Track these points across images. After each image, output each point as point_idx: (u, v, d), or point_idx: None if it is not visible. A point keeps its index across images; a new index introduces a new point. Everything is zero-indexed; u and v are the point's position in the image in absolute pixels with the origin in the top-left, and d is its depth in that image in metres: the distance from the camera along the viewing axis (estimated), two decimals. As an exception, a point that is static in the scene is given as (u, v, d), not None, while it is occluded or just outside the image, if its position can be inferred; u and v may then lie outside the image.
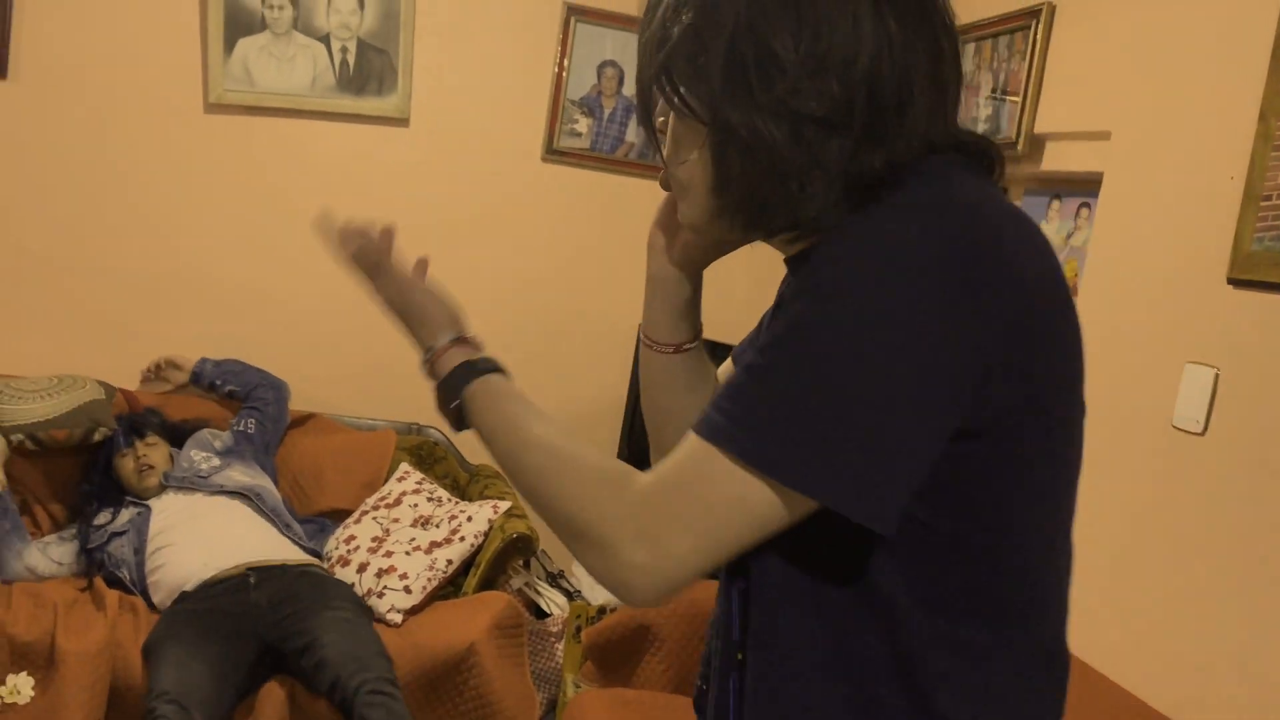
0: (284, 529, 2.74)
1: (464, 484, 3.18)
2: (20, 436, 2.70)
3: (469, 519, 2.88)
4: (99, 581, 2.60)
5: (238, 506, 2.72)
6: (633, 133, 3.33)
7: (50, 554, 2.66)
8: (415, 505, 2.98)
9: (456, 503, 3.00)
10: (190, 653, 2.28)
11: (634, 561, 0.75)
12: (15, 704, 1.26)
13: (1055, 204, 2.52)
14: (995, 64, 2.56)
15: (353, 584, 2.70)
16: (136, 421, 2.84)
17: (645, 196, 3.36)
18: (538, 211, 3.35)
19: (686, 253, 1.01)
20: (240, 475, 2.81)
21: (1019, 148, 2.43)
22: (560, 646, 2.89)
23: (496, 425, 0.89)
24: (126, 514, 2.70)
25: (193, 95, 3.08)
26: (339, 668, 2.26)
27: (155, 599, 2.55)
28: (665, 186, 0.96)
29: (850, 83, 0.75)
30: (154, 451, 2.80)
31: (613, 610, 2.75)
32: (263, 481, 2.85)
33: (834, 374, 0.71)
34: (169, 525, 2.65)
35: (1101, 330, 1.86)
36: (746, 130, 0.77)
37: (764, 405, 0.73)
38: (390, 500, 3.00)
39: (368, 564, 2.77)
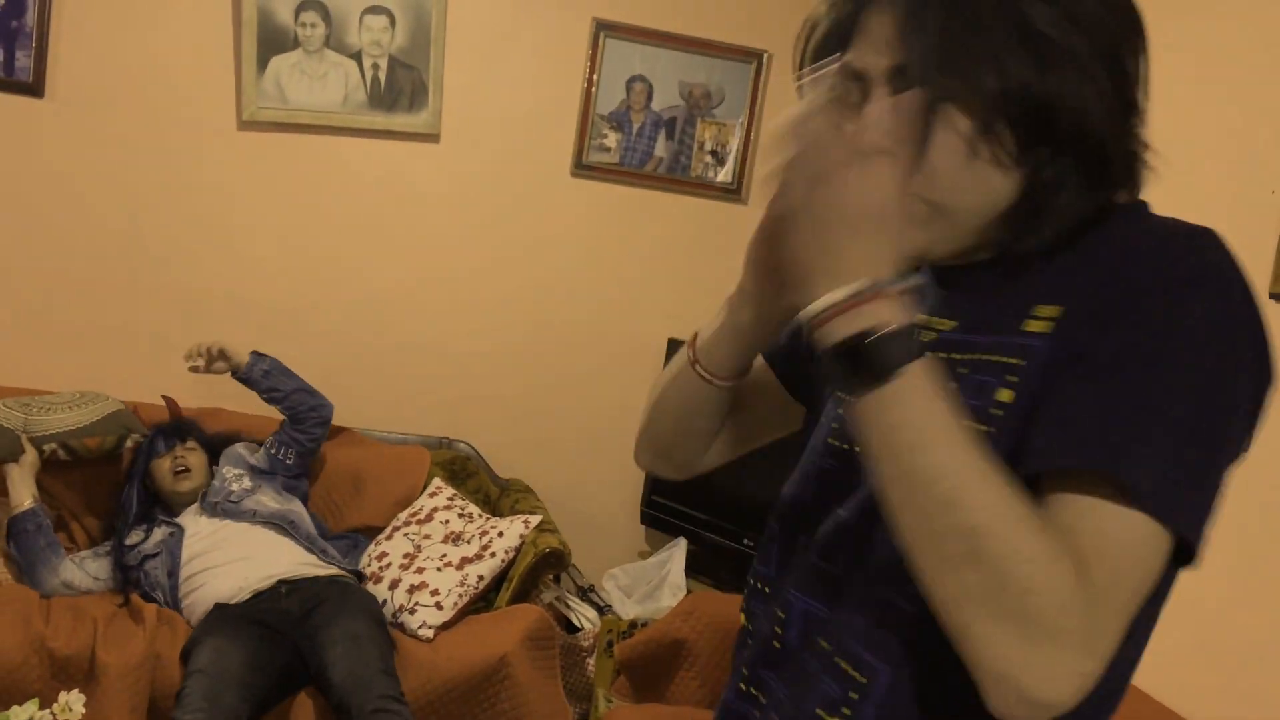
0: (319, 553, 2.73)
1: (495, 498, 3.19)
2: (53, 445, 2.72)
3: (500, 534, 2.88)
4: (135, 597, 2.62)
5: (270, 534, 2.70)
6: (661, 147, 3.34)
7: (87, 569, 2.68)
8: (447, 521, 2.99)
9: (487, 518, 3.00)
10: (226, 642, 2.34)
11: (1078, 669, 0.63)
12: (68, 720, 1.29)
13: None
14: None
15: (384, 600, 2.71)
16: (177, 427, 2.86)
17: (673, 210, 3.38)
18: (566, 225, 3.36)
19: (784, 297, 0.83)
20: (271, 501, 2.79)
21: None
22: (592, 661, 2.88)
23: (927, 428, 0.66)
24: (159, 534, 2.72)
25: (226, 113, 3.11)
26: (343, 690, 2.29)
27: (191, 620, 2.57)
28: None
29: (1129, 77, 0.75)
30: (192, 456, 2.81)
31: (644, 625, 2.75)
32: (293, 506, 2.84)
33: (1222, 425, 0.68)
34: (203, 551, 2.66)
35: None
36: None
37: (1193, 469, 0.66)
38: (422, 516, 3.00)
39: (399, 580, 2.78)
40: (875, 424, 0.68)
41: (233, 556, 2.62)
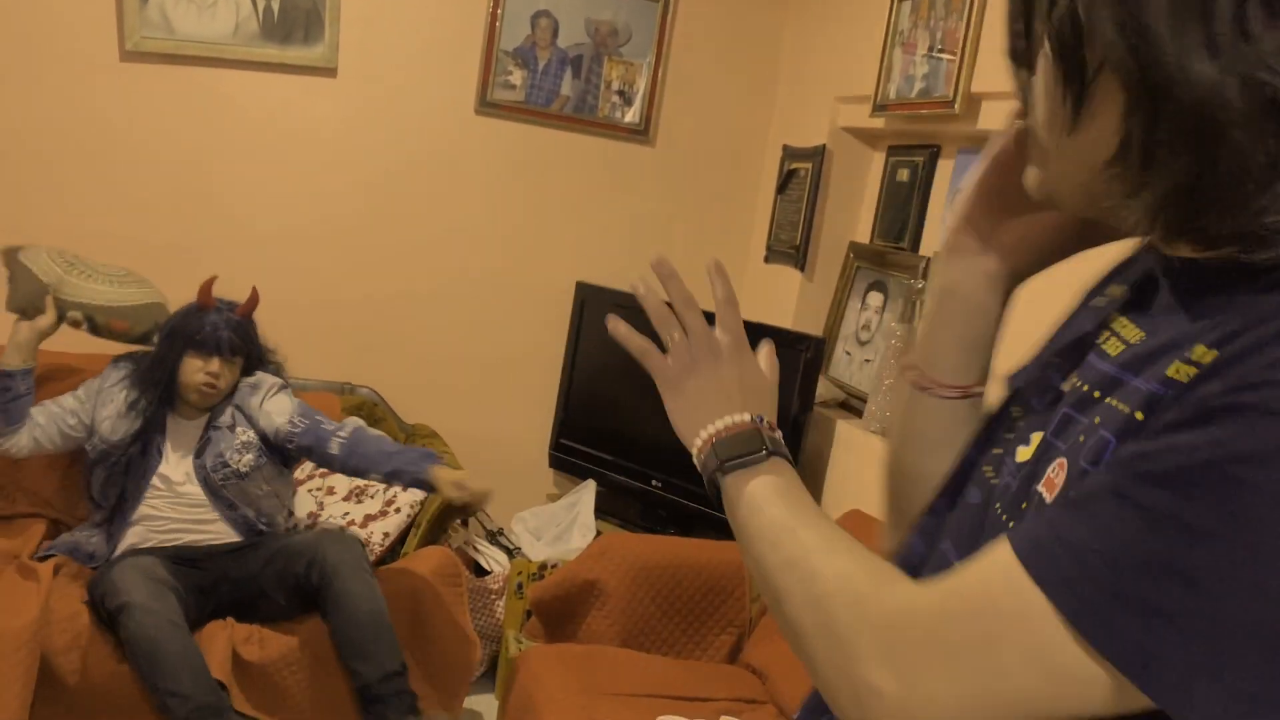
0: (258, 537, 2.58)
1: (401, 443, 3.15)
2: (78, 315, 2.54)
3: (404, 488, 2.85)
4: (29, 548, 2.51)
5: (223, 528, 2.51)
6: (568, 86, 3.28)
7: (66, 422, 2.49)
8: (351, 480, 2.94)
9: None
10: (144, 557, 2.34)
11: (874, 684, 0.60)
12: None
13: (989, 162, 2.56)
14: (932, 22, 2.58)
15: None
16: (235, 333, 2.51)
17: (580, 151, 3.34)
18: (471, 165, 3.29)
19: (1022, 251, 0.76)
20: (255, 490, 2.53)
21: (955, 107, 2.46)
22: (501, 603, 2.89)
23: (761, 527, 0.73)
24: (136, 445, 2.45)
25: (108, 44, 2.93)
26: (318, 548, 2.35)
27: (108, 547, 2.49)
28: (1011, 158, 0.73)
29: None
30: (226, 376, 2.50)
31: (554, 567, 2.76)
32: (267, 504, 2.57)
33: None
34: (158, 501, 2.47)
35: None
36: (1204, 92, 0.52)
37: (1152, 578, 0.51)
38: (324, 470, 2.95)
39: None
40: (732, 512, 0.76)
41: (174, 525, 2.49)
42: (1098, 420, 0.59)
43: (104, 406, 2.51)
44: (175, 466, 2.50)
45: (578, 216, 3.40)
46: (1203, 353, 0.54)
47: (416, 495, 2.82)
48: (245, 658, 2.39)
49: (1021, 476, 0.66)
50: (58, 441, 2.52)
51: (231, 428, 2.54)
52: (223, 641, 2.37)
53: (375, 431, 2.66)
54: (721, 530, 2.88)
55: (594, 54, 3.28)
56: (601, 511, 3.14)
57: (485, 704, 2.87)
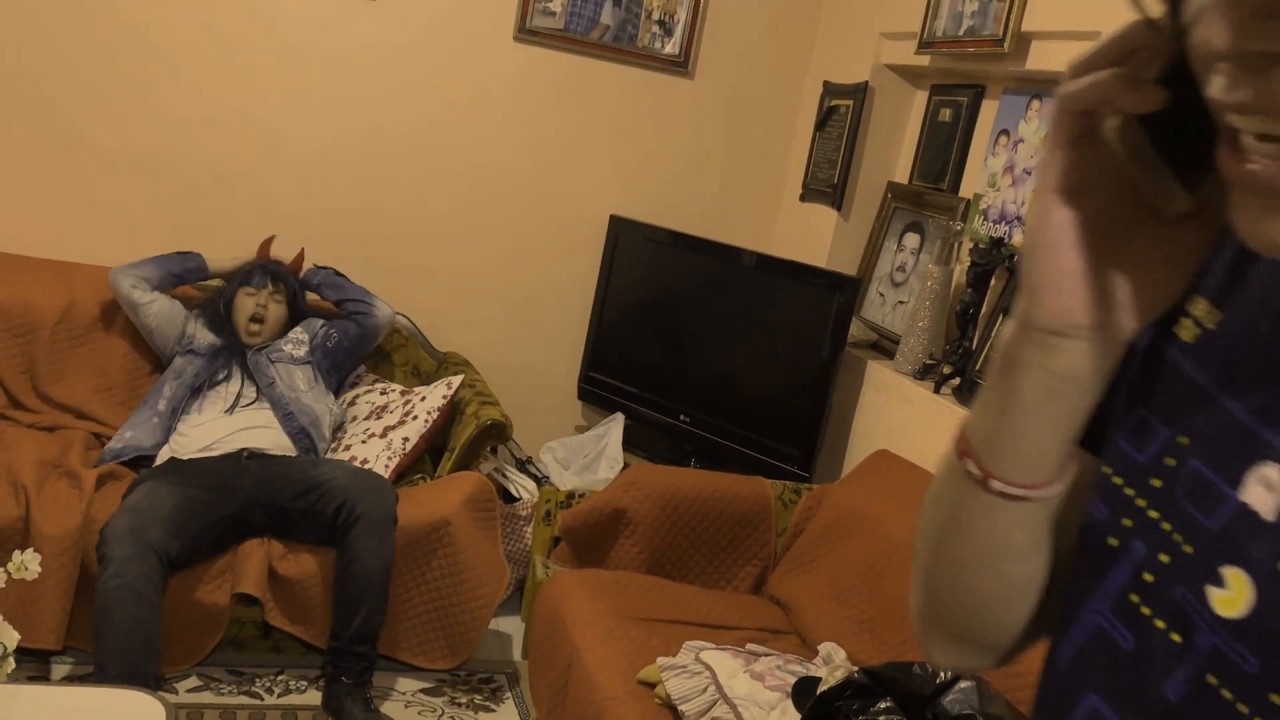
0: (303, 451, 2.71)
1: (431, 371, 3.18)
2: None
3: (422, 399, 2.90)
4: (74, 456, 2.57)
5: (271, 422, 2.69)
6: (608, 14, 3.25)
7: (163, 308, 2.78)
8: (370, 402, 2.99)
9: (410, 390, 3.01)
10: (163, 485, 2.37)
11: None
12: (24, 580, 1.27)
13: (1035, 104, 2.53)
14: (984, -42, 2.53)
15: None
16: (276, 271, 2.90)
17: (618, 81, 3.31)
18: (508, 93, 3.27)
19: (1148, 298, 0.53)
20: (302, 382, 2.79)
21: (1005, 46, 2.42)
22: (529, 530, 2.94)
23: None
24: (209, 340, 2.76)
25: (148, -42, 2.92)
26: (350, 494, 2.40)
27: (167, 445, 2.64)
28: (1167, 212, 0.49)
29: None
30: (274, 307, 2.86)
31: (581, 496, 2.80)
32: (313, 404, 2.78)
33: None
34: (211, 418, 2.66)
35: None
36: None
37: None
38: (345, 402, 3.00)
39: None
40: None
41: (227, 424, 2.64)
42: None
43: (191, 323, 2.83)
44: (236, 378, 2.74)
45: (613, 149, 3.38)
46: None
47: (433, 404, 2.88)
48: (280, 573, 2.46)
49: (1254, 644, 0.46)
50: (167, 325, 2.79)
51: (287, 340, 2.87)
52: (258, 559, 2.44)
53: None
54: (746, 465, 2.92)
55: (636, -17, 3.24)
56: (629, 444, 3.17)
57: (511, 625, 2.93)
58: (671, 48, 3.31)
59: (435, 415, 2.85)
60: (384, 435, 2.84)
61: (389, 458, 2.78)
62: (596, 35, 3.26)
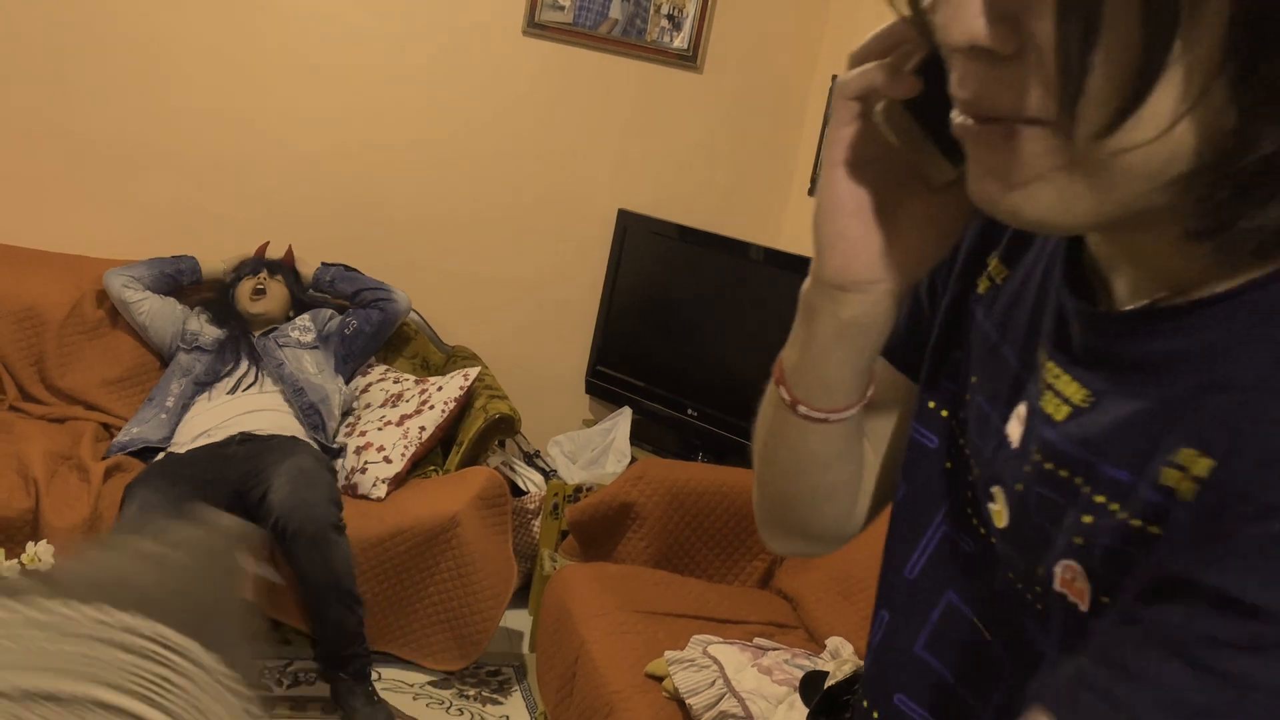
0: (308, 429, 2.74)
1: (440, 364, 3.19)
2: None
3: (439, 389, 2.91)
4: (84, 448, 2.58)
5: (279, 403, 2.74)
6: (616, 8, 3.24)
7: (154, 305, 2.83)
8: (384, 390, 2.99)
9: (424, 379, 3.01)
10: (153, 494, 2.35)
11: None
12: (38, 570, 1.28)
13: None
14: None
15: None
16: (270, 262, 2.97)
17: (627, 75, 3.31)
18: (516, 86, 3.27)
19: (922, 250, 0.60)
20: (310, 366, 2.84)
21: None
22: (537, 523, 2.95)
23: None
24: (214, 334, 2.80)
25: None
26: (284, 510, 2.34)
27: (173, 433, 2.68)
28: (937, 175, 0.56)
29: None
30: (275, 285, 2.91)
31: (589, 490, 2.80)
32: (323, 383, 2.84)
33: None
34: (221, 382, 2.73)
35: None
36: None
37: None
38: (356, 391, 3.01)
39: (345, 446, 2.79)
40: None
41: (233, 407, 2.67)
42: (1088, 520, 0.50)
43: (193, 320, 2.87)
44: (243, 366, 2.78)
45: (621, 143, 3.38)
46: (1192, 458, 0.45)
47: (449, 394, 2.89)
48: (273, 567, 2.44)
49: (1015, 549, 0.57)
50: (160, 323, 2.83)
51: (293, 326, 2.91)
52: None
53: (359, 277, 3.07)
54: (749, 458, 2.91)
55: (644, -24, 3.23)
56: (636, 438, 3.18)
57: (518, 619, 2.94)
58: (680, 42, 3.31)
59: (452, 406, 2.87)
60: (400, 424, 2.84)
61: (405, 446, 2.79)
62: (605, 29, 3.25)
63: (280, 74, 3.11)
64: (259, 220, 3.12)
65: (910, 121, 0.54)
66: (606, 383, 3.39)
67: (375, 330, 2.99)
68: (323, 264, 3.04)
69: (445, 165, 3.28)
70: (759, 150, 3.47)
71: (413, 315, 3.24)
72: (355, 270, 3.04)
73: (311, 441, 2.70)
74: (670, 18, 3.28)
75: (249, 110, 3.10)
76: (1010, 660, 0.60)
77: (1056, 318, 0.56)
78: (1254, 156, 0.41)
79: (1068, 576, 0.53)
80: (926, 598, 0.66)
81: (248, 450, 2.56)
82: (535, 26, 3.21)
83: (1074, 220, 0.47)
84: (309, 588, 2.35)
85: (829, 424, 0.66)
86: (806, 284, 0.62)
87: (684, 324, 3.17)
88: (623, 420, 3.19)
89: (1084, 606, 0.52)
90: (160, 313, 2.83)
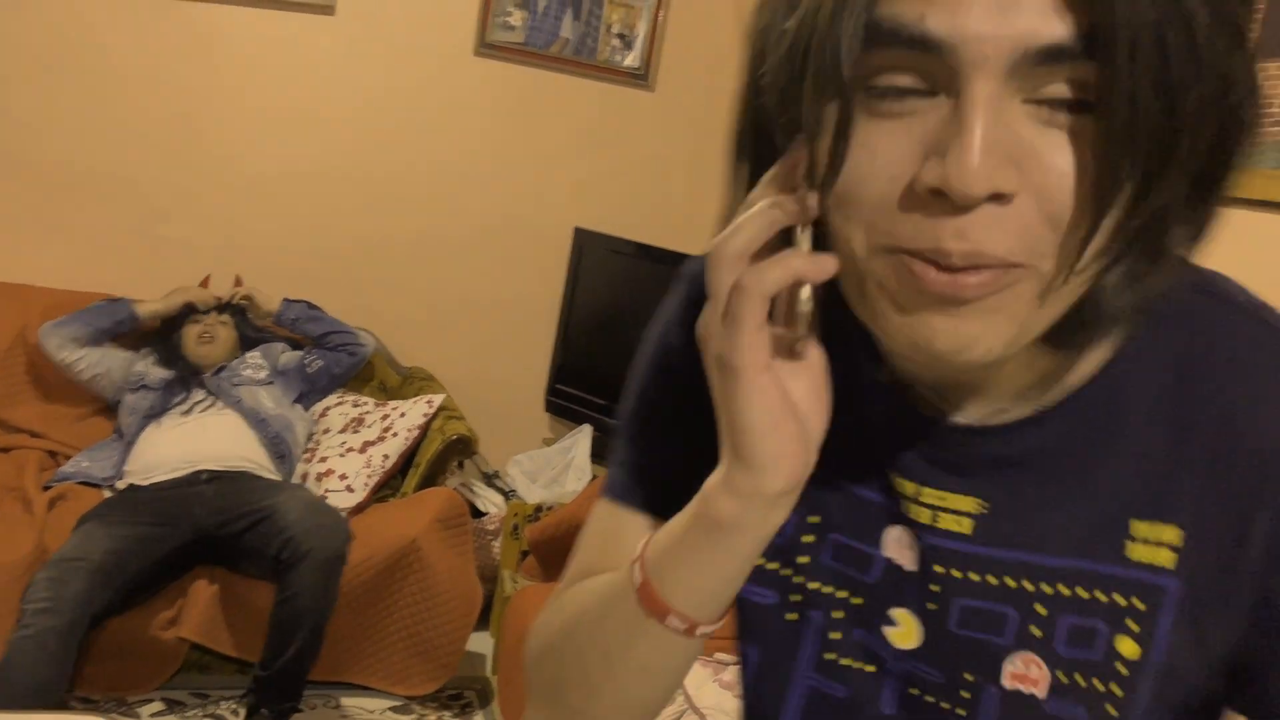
0: (276, 460, 2.69)
1: (396, 386, 3.16)
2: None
3: (401, 415, 2.88)
4: (28, 478, 2.53)
5: (238, 423, 2.68)
6: (567, 27, 3.25)
7: (99, 354, 2.73)
8: (344, 414, 2.96)
9: (386, 404, 2.99)
10: (100, 528, 2.29)
11: None
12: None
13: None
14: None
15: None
16: (220, 303, 2.91)
17: (579, 94, 3.31)
18: (469, 107, 3.27)
19: (820, 417, 0.56)
20: (267, 400, 2.77)
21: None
22: (497, 544, 2.93)
23: None
24: (169, 376, 2.72)
25: (101, -25, 2.89)
26: (300, 529, 2.30)
27: (128, 468, 2.59)
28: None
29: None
30: (222, 329, 2.84)
31: (549, 509, 2.79)
32: (284, 413, 2.78)
33: None
34: (175, 415, 2.65)
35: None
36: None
37: None
38: (315, 415, 2.98)
39: (306, 474, 2.76)
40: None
41: (188, 431, 2.61)
42: (1043, 612, 0.55)
43: (140, 362, 2.79)
44: (195, 395, 2.71)
45: (576, 161, 3.38)
46: (1164, 532, 0.53)
47: (412, 421, 2.86)
48: (229, 606, 2.41)
49: (932, 666, 0.59)
50: (106, 373, 2.74)
51: (244, 364, 2.83)
52: (205, 599, 2.37)
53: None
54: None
55: (595, -4, 3.25)
56: (597, 456, 3.16)
57: (481, 641, 2.91)
58: (632, 60, 3.32)
59: (416, 433, 2.84)
60: (363, 450, 2.81)
61: (369, 475, 2.76)
62: (556, 49, 3.26)
63: (230, 98, 3.08)
64: (208, 248, 3.09)
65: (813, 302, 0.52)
66: (566, 401, 3.38)
67: (343, 373, 2.96)
68: (286, 301, 2.97)
69: (399, 186, 3.26)
70: (714, 166, 3.45)
71: (368, 336, 3.22)
72: (319, 310, 2.98)
73: (276, 476, 2.66)
74: (621, 37, 3.30)
75: (198, 136, 3.07)
76: None
77: (903, 442, 0.58)
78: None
79: (1020, 670, 0.56)
80: None
81: (218, 489, 2.49)
82: (487, 47, 3.21)
83: (1018, 347, 0.48)
84: (291, 610, 2.30)
85: (696, 638, 0.58)
86: (720, 502, 0.54)
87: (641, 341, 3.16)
88: (583, 438, 3.17)
89: (1041, 694, 0.56)
90: (101, 363, 2.74)
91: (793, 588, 0.63)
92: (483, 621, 2.92)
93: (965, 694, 0.58)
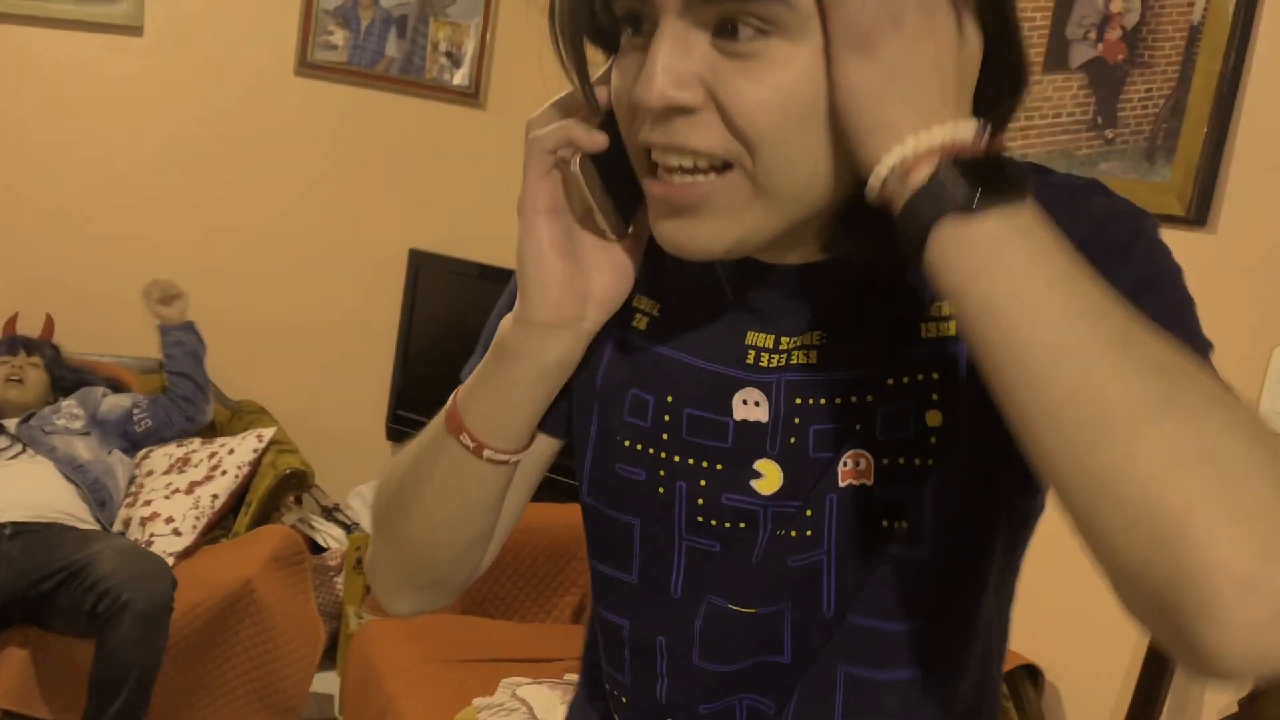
0: (95, 506, 2.50)
1: (225, 421, 3.02)
2: None
3: (230, 452, 2.75)
4: None
5: (52, 474, 2.47)
6: (393, 46, 3.19)
7: None
8: (168, 454, 2.80)
9: (213, 441, 2.84)
10: None
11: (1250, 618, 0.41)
12: None
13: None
14: None
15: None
16: (28, 341, 2.73)
17: (408, 113, 3.26)
18: (293, 128, 3.16)
19: (613, 285, 0.66)
20: (84, 450, 2.56)
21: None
22: (340, 580, 2.83)
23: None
24: None
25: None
26: (116, 580, 2.12)
27: None
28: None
29: None
30: (32, 371, 2.66)
31: (394, 539, 2.71)
32: (102, 459, 2.59)
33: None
34: None
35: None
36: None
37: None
38: (136, 458, 2.80)
39: (129, 519, 2.59)
40: (1002, 268, 0.48)
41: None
42: (868, 401, 0.63)
43: None
44: (3, 440, 2.52)
45: (408, 182, 3.32)
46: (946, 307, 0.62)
47: (242, 457, 2.73)
48: (45, 668, 2.24)
49: (789, 503, 0.65)
50: None
51: (58, 412, 2.62)
52: (16, 665, 2.19)
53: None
54: (562, 493, 2.89)
55: (419, 14, 3.20)
56: (442, 482, 3.10)
57: (328, 681, 2.80)
58: (460, 79, 3.28)
59: (246, 470, 2.72)
60: (190, 491, 2.66)
61: (197, 516, 2.61)
62: (382, 68, 3.19)
63: (33, 122, 2.90)
64: (10, 278, 2.89)
65: (594, 175, 0.61)
66: (409, 427, 3.30)
67: (173, 437, 2.78)
68: (188, 324, 2.78)
69: (220, 211, 3.13)
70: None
71: (194, 371, 3.07)
72: (202, 350, 2.80)
73: (95, 525, 2.48)
74: (449, 55, 3.26)
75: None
76: (779, 629, 0.67)
77: (752, 295, 0.66)
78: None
79: (849, 466, 0.63)
80: (689, 609, 0.69)
81: (24, 545, 2.28)
82: (308, 66, 3.12)
83: (757, 241, 0.58)
84: (111, 667, 2.13)
85: (508, 465, 0.69)
86: (506, 329, 0.66)
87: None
88: (426, 465, 3.10)
89: (870, 480, 0.62)
90: None
91: (660, 463, 0.69)
92: (329, 661, 2.82)
93: (809, 512, 0.64)
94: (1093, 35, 1.87)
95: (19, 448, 2.52)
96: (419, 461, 0.71)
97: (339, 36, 3.13)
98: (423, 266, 3.26)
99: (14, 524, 2.34)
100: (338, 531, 2.96)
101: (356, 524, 3.00)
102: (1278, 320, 1.57)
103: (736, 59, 0.53)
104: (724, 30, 0.53)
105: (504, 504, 0.74)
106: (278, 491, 2.70)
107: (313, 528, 2.94)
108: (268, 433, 2.80)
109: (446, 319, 3.25)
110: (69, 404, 2.66)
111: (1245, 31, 1.64)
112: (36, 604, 2.23)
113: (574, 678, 2.06)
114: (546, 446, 0.76)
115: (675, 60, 0.54)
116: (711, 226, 0.57)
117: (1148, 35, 1.78)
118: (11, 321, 2.82)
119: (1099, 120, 1.85)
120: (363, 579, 2.67)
